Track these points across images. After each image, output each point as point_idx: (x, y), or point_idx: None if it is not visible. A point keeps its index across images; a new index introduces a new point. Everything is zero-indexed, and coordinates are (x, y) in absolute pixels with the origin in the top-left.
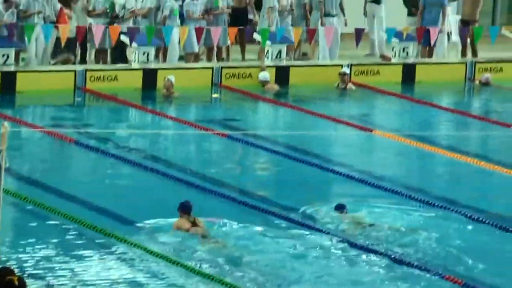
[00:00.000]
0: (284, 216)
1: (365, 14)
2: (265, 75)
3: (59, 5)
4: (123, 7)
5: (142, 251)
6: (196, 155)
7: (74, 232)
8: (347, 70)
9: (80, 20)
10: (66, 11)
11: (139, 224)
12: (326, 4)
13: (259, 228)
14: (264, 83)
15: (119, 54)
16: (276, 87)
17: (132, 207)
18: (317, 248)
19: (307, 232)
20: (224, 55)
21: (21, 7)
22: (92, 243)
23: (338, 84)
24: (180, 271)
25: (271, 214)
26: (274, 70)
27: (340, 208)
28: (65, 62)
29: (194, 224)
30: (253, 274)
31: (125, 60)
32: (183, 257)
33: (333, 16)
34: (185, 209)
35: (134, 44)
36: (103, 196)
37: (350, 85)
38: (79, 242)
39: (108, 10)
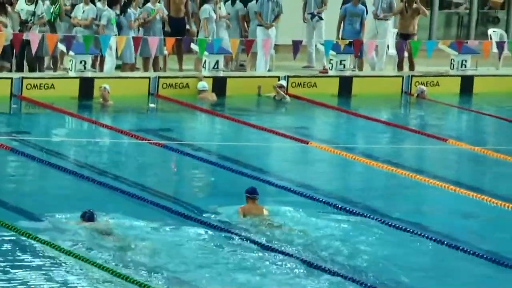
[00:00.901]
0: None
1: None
2: (203, 84)
3: None
4: (33, 14)
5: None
6: (130, 164)
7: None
8: (284, 82)
9: (15, 28)
10: (1, 18)
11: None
12: (264, 15)
13: (167, 228)
14: (201, 92)
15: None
16: (213, 97)
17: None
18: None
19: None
20: (161, 65)
21: None
22: (24, 249)
23: (274, 96)
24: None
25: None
26: (211, 80)
27: (251, 192)
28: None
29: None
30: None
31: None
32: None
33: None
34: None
35: (71, 52)
36: (36, 202)
37: (286, 98)
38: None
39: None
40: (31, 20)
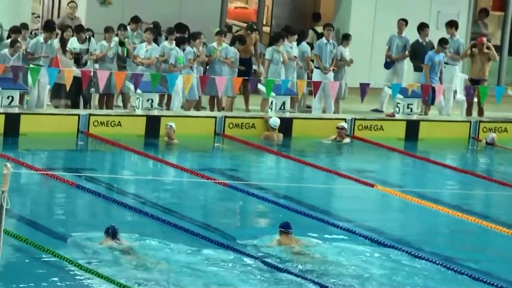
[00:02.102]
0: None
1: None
2: (276, 120)
3: (56, 50)
4: (86, 51)
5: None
6: (194, 203)
7: (71, 271)
8: (345, 125)
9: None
10: (61, 56)
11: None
12: (322, 58)
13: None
14: (270, 128)
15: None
16: (279, 137)
17: None
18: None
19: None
20: (224, 104)
21: (28, 50)
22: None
23: (336, 138)
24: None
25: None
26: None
27: (285, 227)
28: (66, 106)
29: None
30: None
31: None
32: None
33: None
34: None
35: (138, 91)
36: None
37: (346, 139)
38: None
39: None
40: (85, 56)
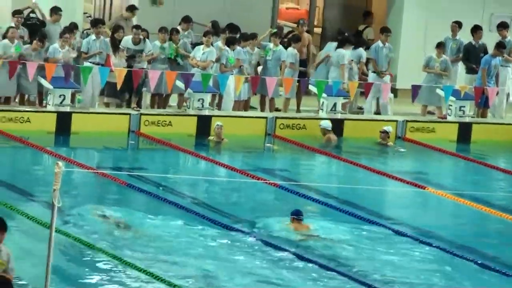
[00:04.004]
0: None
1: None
2: (327, 123)
3: (109, 50)
4: (140, 51)
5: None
6: (244, 203)
7: (118, 270)
8: (388, 129)
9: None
10: (112, 55)
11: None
12: (378, 62)
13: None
14: (325, 131)
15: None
16: (335, 137)
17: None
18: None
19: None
20: (277, 105)
21: (82, 50)
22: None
23: (379, 142)
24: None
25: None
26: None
27: (296, 214)
28: (117, 106)
29: None
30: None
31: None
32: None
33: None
34: None
35: (189, 91)
36: (152, 240)
37: (390, 143)
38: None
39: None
40: (139, 56)
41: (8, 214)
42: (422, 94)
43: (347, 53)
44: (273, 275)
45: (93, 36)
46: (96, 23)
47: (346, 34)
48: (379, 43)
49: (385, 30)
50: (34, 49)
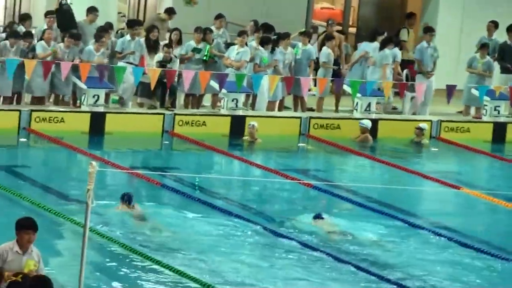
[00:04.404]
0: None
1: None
2: (369, 122)
3: (143, 51)
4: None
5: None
6: (278, 203)
7: (151, 270)
8: (424, 126)
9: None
10: (146, 56)
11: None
12: (424, 62)
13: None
14: (364, 130)
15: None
16: (371, 138)
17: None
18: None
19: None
20: (310, 104)
21: (116, 49)
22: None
23: (414, 139)
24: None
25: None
26: None
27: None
28: (150, 107)
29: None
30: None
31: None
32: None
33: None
34: (125, 199)
35: (223, 91)
36: (183, 241)
37: (424, 141)
38: (151, 278)
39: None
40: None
41: (43, 214)
42: (464, 95)
43: (390, 53)
44: (303, 275)
45: (128, 37)
46: (133, 24)
47: (385, 33)
48: (424, 43)
49: (429, 30)
50: (66, 47)
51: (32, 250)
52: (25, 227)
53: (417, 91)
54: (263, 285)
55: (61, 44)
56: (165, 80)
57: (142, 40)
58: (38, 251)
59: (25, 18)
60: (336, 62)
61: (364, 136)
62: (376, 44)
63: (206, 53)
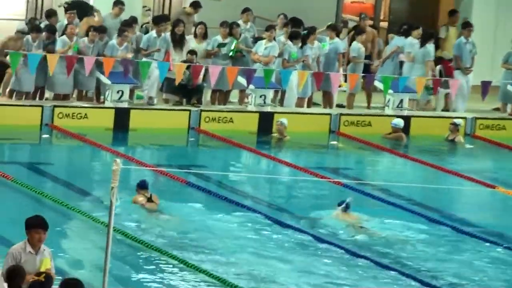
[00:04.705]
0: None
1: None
2: (401, 122)
3: (169, 46)
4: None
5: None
6: (307, 202)
7: (173, 269)
8: (459, 122)
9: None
10: (172, 51)
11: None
12: (463, 58)
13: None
14: (396, 130)
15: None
16: (403, 137)
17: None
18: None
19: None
20: (340, 101)
21: (141, 46)
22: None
23: (448, 136)
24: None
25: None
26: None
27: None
28: (175, 103)
29: (150, 200)
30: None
31: None
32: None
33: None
34: (142, 186)
35: (251, 86)
36: (210, 241)
37: (459, 138)
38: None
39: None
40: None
41: (65, 213)
42: (500, 92)
43: (432, 49)
44: (333, 276)
45: (154, 34)
46: (159, 21)
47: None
48: (462, 38)
49: (467, 25)
50: (91, 41)
51: (44, 249)
52: (35, 226)
53: (452, 87)
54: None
55: (85, 38)
56: (190, 85)
57: (168, 36)
58: (48, 249)
59: (51, 14)
60: (369, 58)
61: (397, 135)
62: (411, 39)
63: (232, 48)
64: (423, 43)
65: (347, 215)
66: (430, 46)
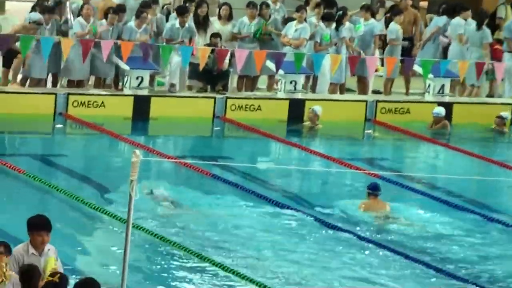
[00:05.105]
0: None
1: None
2: (441, 110)
3: (194, 34)
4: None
5: None
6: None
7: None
8: (505, 115)
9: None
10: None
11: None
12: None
13: None
14: (438, 120)
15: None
16: (448, 125)
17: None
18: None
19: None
20: (376, 86)
21: (164, 36)
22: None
23: (494, 127)
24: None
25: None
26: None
27: (373, 188)
28: (199, 90)
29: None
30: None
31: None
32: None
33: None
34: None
35: (280, 72)
36: (229, 234)
37: (505, 130)
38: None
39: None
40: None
41: (80, 208)
42: None
43: (489, 32)
44: (365, 272)
45: (177, 24)
46: (183, 12)
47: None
48: None
49: None
50: (110, 23)
51: (49, 249)
52: (37, 228)
53: (497, 71)
54: (324, 284)
55: (104, 21)
56: (214, 70)
57: (193, 25)
58: (53, 248)
59: None
60: (408, 40)
61: (442, 123)
62: (458, 20)
63: (258, 29)
64: (479, 25)
65: (376, 203)
66: (487, 29)
